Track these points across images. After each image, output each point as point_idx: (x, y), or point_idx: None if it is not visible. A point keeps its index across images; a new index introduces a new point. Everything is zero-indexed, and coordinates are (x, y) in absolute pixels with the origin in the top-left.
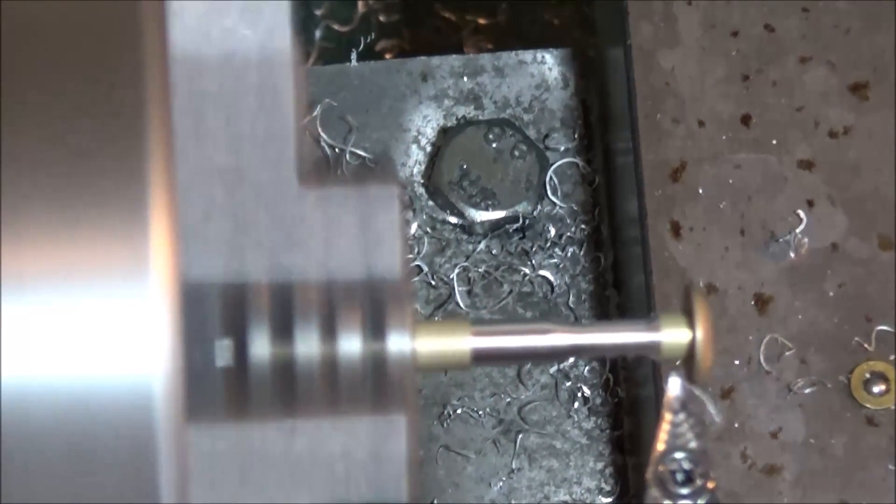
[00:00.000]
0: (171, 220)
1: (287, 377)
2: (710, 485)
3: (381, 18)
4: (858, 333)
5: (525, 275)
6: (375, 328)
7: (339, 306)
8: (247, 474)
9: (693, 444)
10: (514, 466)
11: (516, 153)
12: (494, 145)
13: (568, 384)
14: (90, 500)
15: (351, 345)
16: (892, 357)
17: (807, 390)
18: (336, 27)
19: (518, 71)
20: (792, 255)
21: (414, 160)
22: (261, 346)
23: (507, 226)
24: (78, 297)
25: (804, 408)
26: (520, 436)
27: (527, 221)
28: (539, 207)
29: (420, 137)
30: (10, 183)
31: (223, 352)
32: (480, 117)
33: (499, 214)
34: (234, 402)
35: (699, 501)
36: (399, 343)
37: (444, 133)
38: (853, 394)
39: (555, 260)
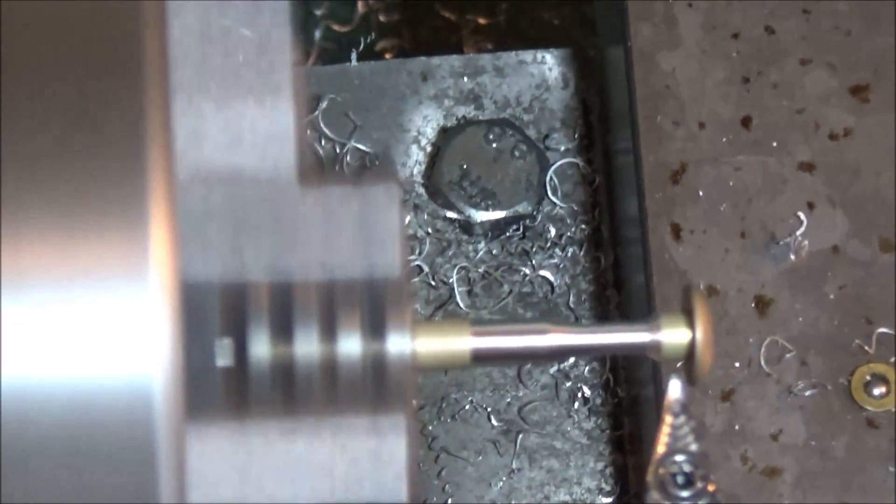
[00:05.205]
0: (170, 220)
1: (287, 377)
2: (711, 487)
3: (381, 18)
4: (859, 336)
5: (525, 275)
6: (375, 328)
7: (338, 306)
8: (247, 474)
9: (693, 447)
10: (514, 466)
11: (516, 153)
12: (494, 145)
13: (568, 384)
14: (90, 500)
15: (351, 345)
16: (892, 359)
17: (807, 392)
18: (336, 27)
19: (518, 71)
20: (792, 257)
21: (414, 160)
22: (260, 346)
23: (508, 226)
24: (78, 297)
25: (804, 410)
26: (520, 436)
27: (527, 221)
28: (539, 207)
29: (420, 137)
30: (10, 183)
31: (223, 351)
32: (480, 117)
33: (499, 214)
34: (233, 402)
35: (699, 503)
36: (399, 343)
37: (444, 133)
38: (853, 396)
39: (555, 260)
